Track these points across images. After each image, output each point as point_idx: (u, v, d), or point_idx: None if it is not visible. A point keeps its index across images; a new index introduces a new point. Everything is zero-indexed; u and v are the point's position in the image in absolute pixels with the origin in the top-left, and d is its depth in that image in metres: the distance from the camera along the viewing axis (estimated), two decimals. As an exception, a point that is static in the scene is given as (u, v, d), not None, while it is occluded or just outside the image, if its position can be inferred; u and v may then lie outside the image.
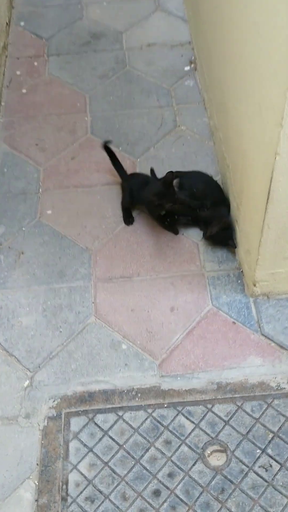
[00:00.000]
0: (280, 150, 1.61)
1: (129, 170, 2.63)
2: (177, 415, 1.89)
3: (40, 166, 2.67)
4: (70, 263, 2.31)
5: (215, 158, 2.66)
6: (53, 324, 2.13)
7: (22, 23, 3.44)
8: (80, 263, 2.31)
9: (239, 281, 2.22)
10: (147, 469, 1.78)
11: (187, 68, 3.11)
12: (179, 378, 1.97)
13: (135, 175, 2.53)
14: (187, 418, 1.88)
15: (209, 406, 1.90)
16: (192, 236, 2.38)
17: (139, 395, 1.94)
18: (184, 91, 2.99)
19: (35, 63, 3.20)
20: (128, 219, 2.43)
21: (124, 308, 2.17)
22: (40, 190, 2.58)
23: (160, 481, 1.76)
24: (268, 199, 1.76)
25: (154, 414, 1.89)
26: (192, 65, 3.11)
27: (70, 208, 2.50)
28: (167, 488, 1.74)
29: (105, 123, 2.86)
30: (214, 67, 2.55)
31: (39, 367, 2.02)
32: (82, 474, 1.79)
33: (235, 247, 2.24)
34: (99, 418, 1.90)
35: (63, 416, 1.91)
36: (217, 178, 2.58)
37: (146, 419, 1.88)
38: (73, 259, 2.33)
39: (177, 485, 1.75)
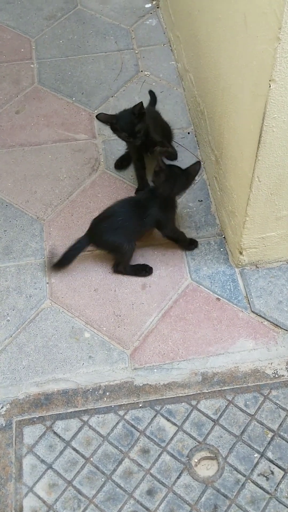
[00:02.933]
0: (275, 75, 1.24)
1: (85, 122, 2.23)
2: (155, 416, 1.54)
3: (-22, 123, 2.24)
4: (18, 237, 1.91)
5: (186, 106, 2.27)
6: (-2, 311, 1.74)
7: None
8: (30, 236, 1.92)
9: (221, 249, 1.86)
10: (121, 487, 1.44)
11: (148, 5, 2.69)
12: (155, 370, 1.62)
13: None
14: (168, 420, 1.53)
15: (194, 402, 1.56)
16: (163, 198, 2.00)
17: (107, 394, 1.58)
18: (146, 31, 2.57)
19: None
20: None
21: (86, 288, 1.79)
22: (-21, 150, 2.15)
23: (137, 501, 1.41)
24: (259, 143, 1.39)
25: (127, 417, 1.54)
26: (154, 2, 2.69)
27: (16, 171, 2.09)
28: (147, 509, 1.40)
29: (54, 70, 2.43)
30: (181, -4, 2.14)
31: (-18, 365, 1.64)
32: (40, 498, 1.43)
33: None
34: (59, 425, 1.53)
35: (14, 425, 1.54)
36: (188, 128, 2.20)
37: (117, 423, 1.53)
38: (21, 231, 1.93)
39: (159, 505, 1.41)
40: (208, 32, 1.76)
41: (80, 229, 1.93)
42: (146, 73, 2.41)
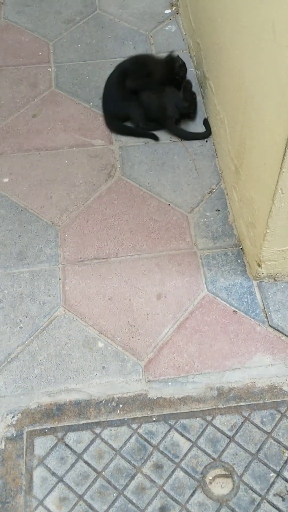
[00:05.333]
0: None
1: (102, 128, 2.21)
2: (169, 430, 1.51)
3: (-6, 126, 2.22)
4: (32, 242, 1.89)
5: (204, 113, 2.24)
6: (11, 318, 1.71)
7: None
8: (45, 241, 1.89)
9: (239, 261, 1.83)
10: (133, 503, 1.40)
11: (167, 11, 2.67)
12: (170, 383, 1.58)
13: None
14: (182, 435, 1.50)
15: (209, 418, 1.52)
16: (181, 207, 1.97)
17: (120, 406, 1.55)
18: (165, 37, 2.55)
19: (-12, 6, 2.71)
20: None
21: (100, 297, 1.76)
22: (-5, 154, 2.13)
23: (150, 518, 1.38)
24: (284, 155, 1.36)
25: (140, 431, 1.51)
26: (174, 8, 2.66)
27: (32, 175, 2.06)
28: (160, 527, 1.37)
29: (72, 74, 2.41)
30: (203, 4, 2.11)
31: (-6, 373, 1.61)
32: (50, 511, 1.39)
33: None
34: (71, 437, 1.50)
35: (25, 436, 1.50)
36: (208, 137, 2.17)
37: (130, 437, 1.50)
38: (36, 237, 1.90)
39: (172, 523, 1.37)
40: (231, 40, 1.73)
41: (96, 236, 1.91)
42: (164, 79, 2.37)
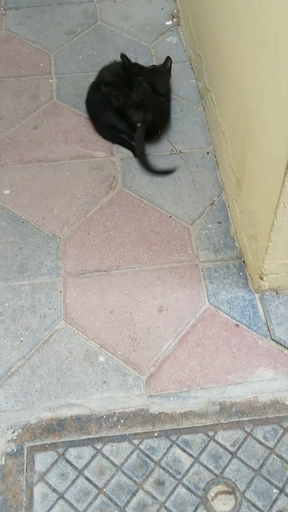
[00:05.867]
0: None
1: (103, 139, 2.21)
2: (170, 446, 1.49)
3: (-5, 137, 2.22)
4: (33, 255, 1.88)
5: (206, 125, 2.24)
6: (11, 331, 1.70)
7: (-26, -28, 2.93)
8: (46, 254, 1.88)
9: (240, 273, 1.82)
10: (134, 520, 1.38)
11: (169, 22, 2.67)
12: (171, 398, 1.57)
13: None
14: (184, 450, 1.48)
15: (211, 433, 1.51)
16: (182, 219, 1.97)
17: (121, 421, 1.53)
18: (166, 48, 2.55)
19: (-10, 18, 2.72)
20: None
21: (101, 310, 1.75)
22: (-4, 165, 2.13)
23: (151, 536, 1.36)
24: (287, 168, 1.35)
25: (141, 446, 1.49)
26: (175, 19, 2.67)
27: (33, 187, 2.06)
28: None
29: (73, 86, 2.41)
30: (204, 16, 2.11)
31: (-6, 387, 1.60)
32: (50, 529, 1.38)
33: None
34: (72, 453, 1.49)
35: (25, 451, 1.49)
36: (208, 148, 2.17)
37: (131, 453, 1.48)
38: (36, 249, 1.89)
39: None
40: (233, 52, 1.73)
41: (97, 248, 1.90)
42: (165, 90, 2.38)
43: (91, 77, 2.40)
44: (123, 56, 2.28)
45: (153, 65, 2.33)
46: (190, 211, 2.00)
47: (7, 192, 2.04)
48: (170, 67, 2.29)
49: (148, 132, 2.12)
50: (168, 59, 2.28)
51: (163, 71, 2.29)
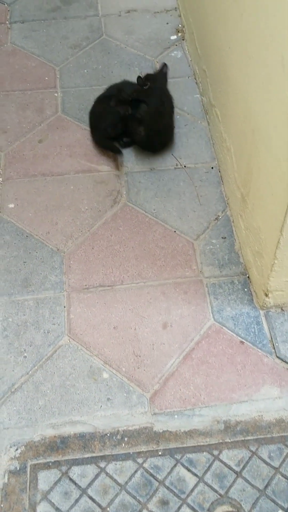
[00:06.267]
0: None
1: (108, 153, 2.21)
2: (175, 465, 1.48)
3: (0, 151, 2.22)
4: (37, 269, 1.87)
5: (210, 140, 2.24)
6: (15, 347, 1.70)
7: (-20, -14, 2.95)
8: (50, 268, 1.88)
9: (245, 290, 1.81)
10: None
11: (173, 37, 2.69)
12: (176, 416, 1.56)
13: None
14: (188, 470, 1.47)
15: (216, 452, 1.50)
16: (187, 234, 1.97)
17: (125, 439, 1.52)
18: (171, 63, 2.56)
19: (-4, 31, 2.73)
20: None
21: (105, 325, 1.74)
22: (0, 179, 2.13)
23: None
24: (293, 187, 1.35)
25: (145, 465, 1.48)
26: (180, 34, 2.68)
27: (37, 201, 2.06)
28: None
29: (78, 100, 2.42)
30: (210, 32, 2.12)
31: (-3, 403, 1.59)
32: None
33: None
34: (75, 471, 1.47)
35: (28, 469, 1.48)
36: (212, 163, 2.17)
37: (135, 471, 1.47)
38: (41, 263, 1.89)
39: None
40: (239, 70, 1.74)
41: (101, 262, 1.90)
42: (170, 105, 2.38)
43: (96, 91, 2.41)
44: (139, 78, 2.21)
45: (148, 74, 2.28)
46: (194, 226, 2.00)
47: (11, 206, 2.04)
48: (167, 72, 2.27)
49: (148, 142, 2.15)
50: (164, 65, 2.26)
51: (160, 79, 2.25)
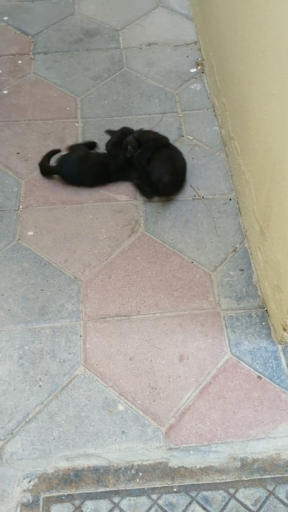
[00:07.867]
0: None
1: (127, 183, 2.23)
2: (190, 503, 1.45)
3: (21, 179, 2.25)
4: (55, 297, 1.88)
5: (228, 172, 2.25)
6: (31, 376, 1.69)
7: (5, 18, 3.03)
8: (67, 297, 1.88)
9: (263, 323, 1.80)
10: None
11: (193, 70, 2.73)
12: (191, 451, 1.53)
13: None
14: (204, 508, 1.44)
15: (232, 490, 1.46)
16: (204, 265, 1.96)
17: (140, 474, 1.50)
18: (190, 95, 2.60)
19: (19, 62, 2.80)
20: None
21: (121, 356, 1.73)
22: (21, 206, 2.15)
23: None
24: (314, 223, 1.34)
25: (160, 502, 1.45)
26: (199, 67, 2.73)
27: (56, 229, 2.08)
28: None
29: (98, 130, 2.45)
30: (230, 66, 2.15)
31: (11, 433, 1.57)
32: None
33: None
34: (88, 506, 1.45)
35: (41, 502, 1.46)
36: (230, 195, 2.18)
37: (150, 508, 1.44)
38: (58, 292, 1.89)
39: None
40: (259, 105, 1.76)
41: (118, 292, 1.90)
42: (189, 137, 2.41)
43: (116, 121, 2.45)
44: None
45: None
46: (212, 257, 1.99)
47: (30, 233, 2.06)
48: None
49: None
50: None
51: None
